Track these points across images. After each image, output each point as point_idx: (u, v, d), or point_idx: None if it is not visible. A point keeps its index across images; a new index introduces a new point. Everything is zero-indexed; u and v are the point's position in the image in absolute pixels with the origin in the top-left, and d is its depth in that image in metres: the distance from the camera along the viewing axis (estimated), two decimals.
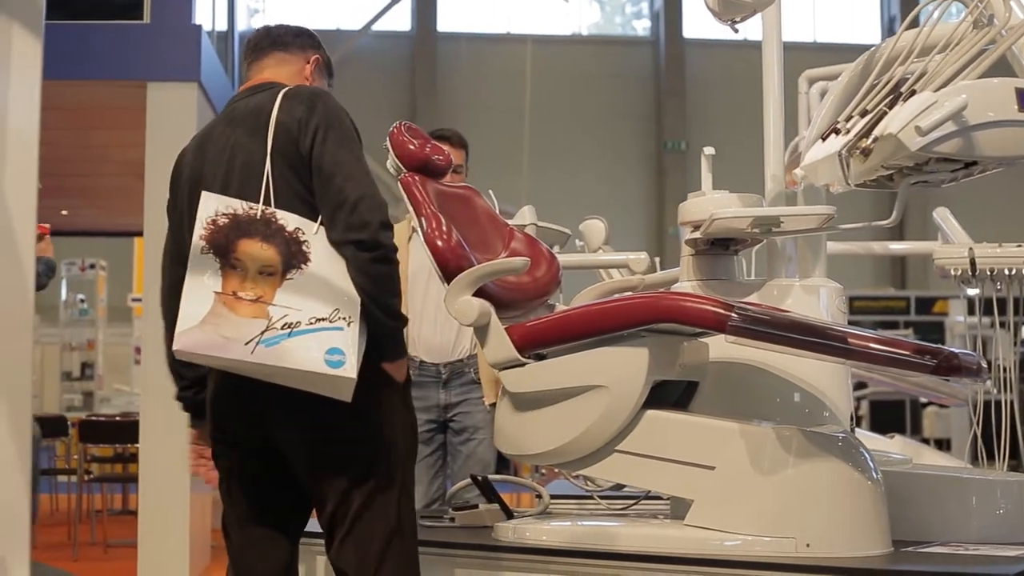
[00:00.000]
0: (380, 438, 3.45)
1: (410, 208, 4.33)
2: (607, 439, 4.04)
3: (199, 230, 3.32)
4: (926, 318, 21.58)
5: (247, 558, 3.63)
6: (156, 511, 8.13)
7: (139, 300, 18.10)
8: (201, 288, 3.27)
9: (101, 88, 8.51)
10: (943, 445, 16.63)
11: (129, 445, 10.38)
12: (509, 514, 4.58)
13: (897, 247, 7.22)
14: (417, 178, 4.35)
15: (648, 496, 4.82)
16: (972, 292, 6.31)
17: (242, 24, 11.62)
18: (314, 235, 3.36)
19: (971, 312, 6.31)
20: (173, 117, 8.19)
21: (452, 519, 4.69)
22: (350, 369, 3.24)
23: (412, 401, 3.63)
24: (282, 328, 3.24)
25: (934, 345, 3.80)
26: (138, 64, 8.19)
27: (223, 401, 3.55)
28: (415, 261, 5.49)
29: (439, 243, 4.18)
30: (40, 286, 4.96)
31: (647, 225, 28.16)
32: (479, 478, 4.79)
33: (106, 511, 11.05)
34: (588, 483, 5.39)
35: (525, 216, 5.34)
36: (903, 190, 3.19)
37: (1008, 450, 5.94)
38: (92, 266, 17.26)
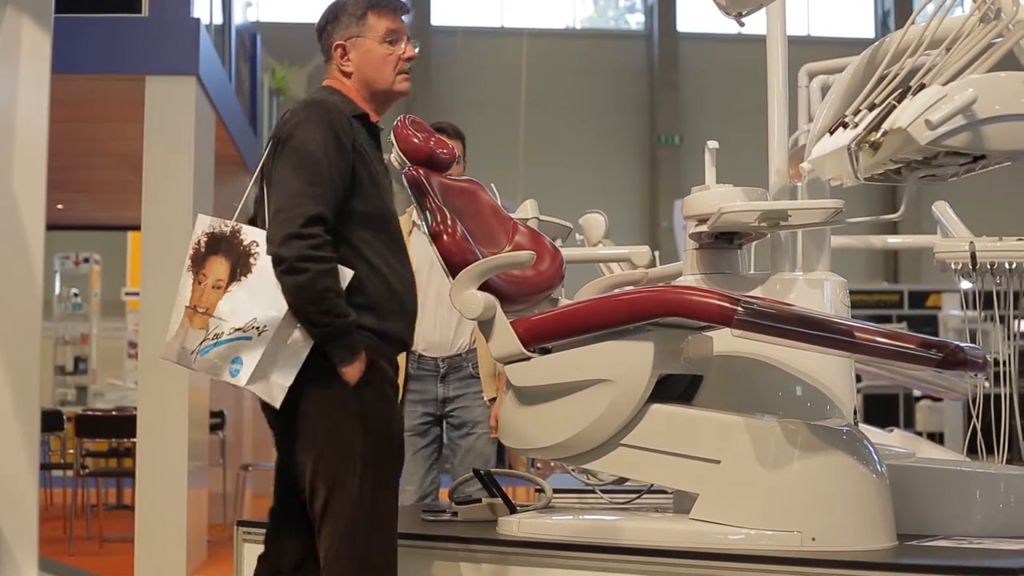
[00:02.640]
0: (328, 441, 3.56)
1: (415, 202, 4.32)
2: (612, 433, 4.04)
3: (189, 249, 3.63)
4: (919, 312, 21.60)
5: None
6: (153, 506, 8.12)
7: (133, 295, 18.08)
8: (179, 300, 3.61)
9: (99, 82, 8.49)
10: (936, 438, 16.63)
11: (124, 440, 10.36)
12: (512, 508, 4.57)
13: (896, 241, 7.22)
14: (422, 171, 4.35)
15: (650, 490, 4.81)
16: (966, 286, 6.31)
17: (238, 18, 11.55)
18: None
19: (966, 306, 6.31)
20: (171, 111, 8.18)
21: (455, 513, 4.68)
22: (242, 378, 3.47)
23: (393, 398, 3.70)
24: (212, 339, 3.53)
25: (939, 339, 3.80)
26: (136, 58, 8.17)
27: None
28: (416, 255, 5.40)
29: (444, 237, 4.18)
30: None
31: (640, 218, 28.14)
32: (481, 472, 4.79)
33: (101, 506, 11.03)
34: (589, 477, 5.39)
35: (527, 210, 5.33)
36: (911, 184, 3.19)
37: (1008, 444, 5.95)
38: (86, 260, 17.21)
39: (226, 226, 3.62)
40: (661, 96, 28.28)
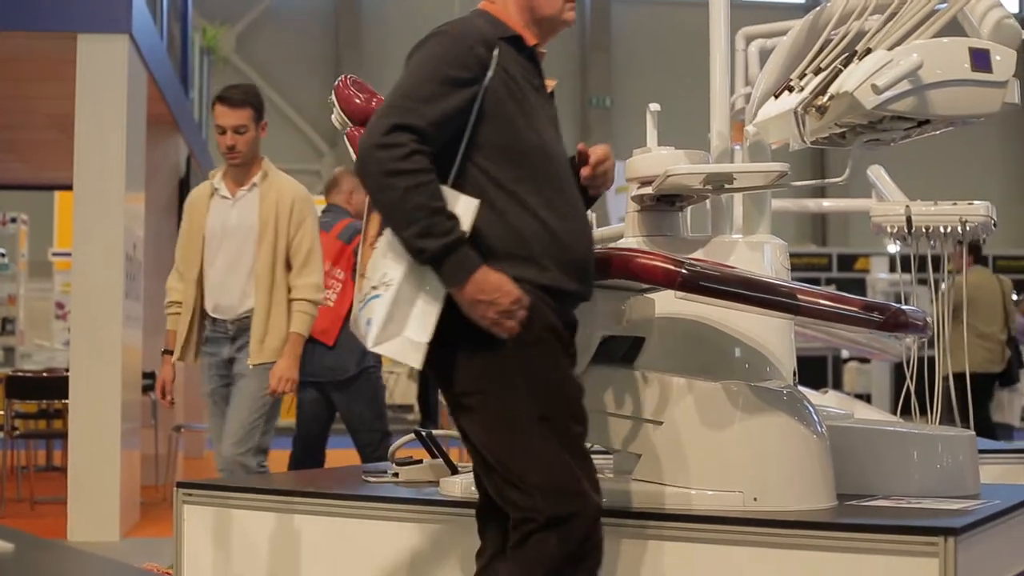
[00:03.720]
0: (492, 413, 3.30)
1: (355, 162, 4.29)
2: None
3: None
4: (848, 275, 21.83)
5: None
6: (85, 468, 8.06)
7: (60, 255, 17.92)
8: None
9: (29, 40, 8.34)
10: (864, 400, 16.86)
11: (55, 401, 10.27)
12: (454, 469, 4.58)
13: (831, 205, 7.27)
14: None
15: (591, 451, 4.82)
16: (894, 249, 6.38)
17: None
18: None
19: (893, 269, 6.39)
20: (104, 69, 8.07)
21: (396, 475, 4.68)
22: (370, 340, 3.20)
23: (563, 358, 3.39)
24: (359, 302, 3.31)
25: (881, 302, 3.84)
26: (67, 15, 8.04)
27: None
28: (211, 222, 5.69)
29: None
30: None
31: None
32: (423, 433, 4.78)
33: (32, 467, 10.94)
34: None
35: None
36: (856, 148, 3.21)
37: (940, 405, 6.03)
38: (13, 220, 16.98)
39: None
40: (592, 58, 28.26)
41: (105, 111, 8.08)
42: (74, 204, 8.21)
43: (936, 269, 5.95)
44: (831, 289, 4.54)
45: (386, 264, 3.19)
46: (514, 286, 3.18)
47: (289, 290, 5.59)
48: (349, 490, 4.45)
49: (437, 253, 3.13)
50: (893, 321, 3.81)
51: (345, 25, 27.15)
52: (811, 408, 4.07)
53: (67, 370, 8.88)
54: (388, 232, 3.21)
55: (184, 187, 11.40)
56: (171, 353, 5.72)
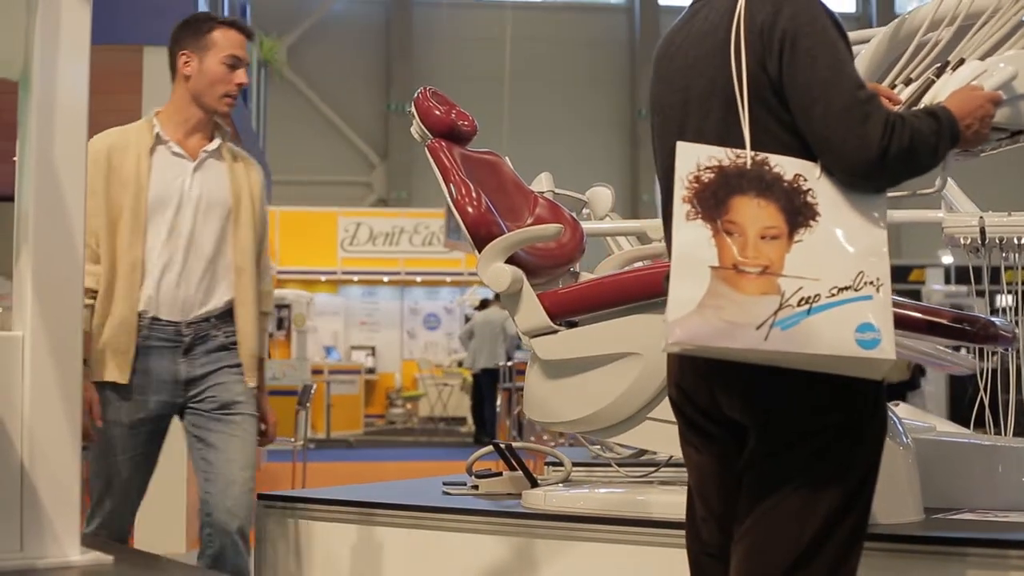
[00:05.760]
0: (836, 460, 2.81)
1: (438, 174, 4.31)
2: (640, 406, 4.05)
3: (680, 191, 2.69)
4: (903, 287, 21.69)
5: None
6: (154, 480, 8.05)
7: None
8: (692, 262, 2.65)
9: (95, 52, 8.38)
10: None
11: None
12: (534, 482, 4.57)
13: (902, 216, 7.20)
14: (443, 144, 4.35)
15: (668, 463, 4.81)
16: (948, 260, 6.34)
17: None
18: (817, 180, 2.74)
19: (948, 280, 6.35)
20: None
21: (476, 487, 4.68)
22: (887, 348, 2.62)
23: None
24: (799, 304, 2.62)
25: (971, 314, 3.81)
26: (135, 27, 8.10)
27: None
28: (163, 183, 4.16)
29: (469, 209, 4.17)
30: None
31: (622, 192, 28.14)
32: (502, 445, 4.78)
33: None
34: (605, 451, 5.39)
35: (542, 183, 5.31)
36: (949, 159, 3.19)
37: (1016, 418, 5.98)
38: None
39: (738, 156, 2.73)
40: (643, 69, 28.23)
41: None
42: None
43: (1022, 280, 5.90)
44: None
45: (848, 261, 2.67)
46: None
47: None
48: (430, 502, 4.44)
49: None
50: (984, 333, 3.78)
51: (396, 38, 27.26)
52: (898, 420, 4.04)
53: None
54: (824, 222, 2.70)
55: None
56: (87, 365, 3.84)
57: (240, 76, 4.22)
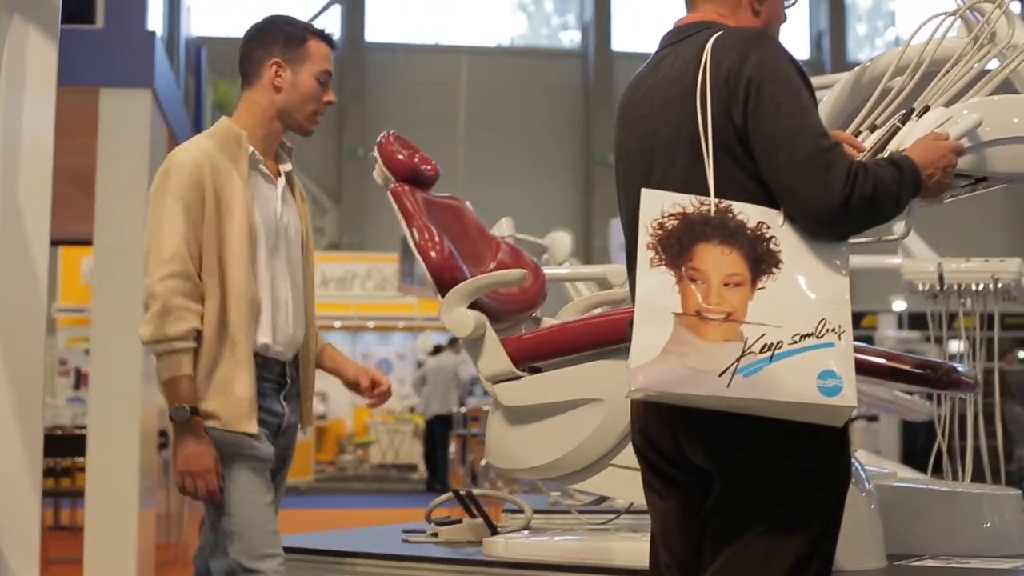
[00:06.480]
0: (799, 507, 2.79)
1: (401, 219, 4.29)
2: (602, 453, 4.03)
3: (645, 237, 2.72)
4: (856, 332, 21.74)
5: None
6: (103, 527, 7.99)
7: (65, 311, 17.87)
8: (656, 309, 2.67)
9: None
10: None
11: (60, 459, 10.28)
12: (493, 529, 4.54)
13: (859, 261, 7.25)
14: (407, 188, 4.33)
15: (628, 510, 4.79)
16: (899, 307, 6.38)
17: (185, 31, 11.46)
18: (780, 228, 2.74)
19: (901, 326, 6.39)
20: (127, 124, 8.06)
21: (435, 534, 4.64)
22: (849, 395, 2.61)
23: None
24: (761, 351, 2.62)
25: (934, 360, 3.83)
26: (91, 70, 8.04)
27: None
28: (261, 211, 3.72)
29: (432, 254, 4.15)
30: None
31: (575, 237, 28.19)
32: (461, 492, 4.75)
33: (44, 527, 10.85)
34: (565, 497, 5.36)
35: (503, 227, 5.31)
36: (913, 206, 3.20)
37: (972, 464, 6.00)
38: None
39: (702, 203, 2.73)
40: (597, 114, 28.35)
41: (127, 166, 8.06)
42: (94, 260, 8.18)
43: (980, 326, 5.93)
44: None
45: (810, 308, 2.67)
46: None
47: None
48: (390, 550, 4.40)
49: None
50: (946, 379, 3.79)
51: (349, 81, 27.24)
52: (860, 466, 4.04)
53: (77, 428, 8.83)
54: (787, 269, 2.71)
55: None
56: (197, 414, 3.48)
57: (331, 95, 3.90)
